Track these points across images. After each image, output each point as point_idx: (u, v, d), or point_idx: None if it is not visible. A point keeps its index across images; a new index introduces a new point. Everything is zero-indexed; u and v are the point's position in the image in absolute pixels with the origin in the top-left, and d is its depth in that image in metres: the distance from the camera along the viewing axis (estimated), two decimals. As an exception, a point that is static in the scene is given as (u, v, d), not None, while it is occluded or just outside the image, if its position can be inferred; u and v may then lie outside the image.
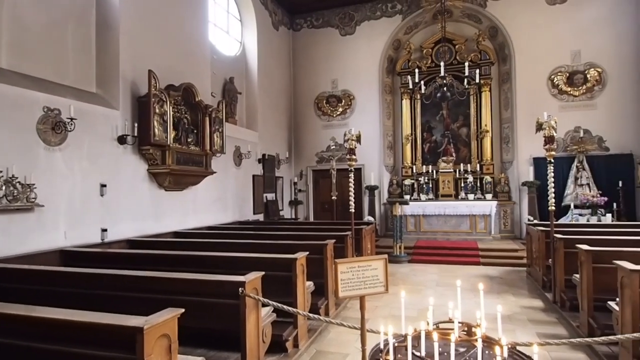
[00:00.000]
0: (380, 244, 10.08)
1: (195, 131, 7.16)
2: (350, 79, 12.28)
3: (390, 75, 12.36)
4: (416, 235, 10.85)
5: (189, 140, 6.97)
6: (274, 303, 3.42)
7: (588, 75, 10.37)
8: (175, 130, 6.65)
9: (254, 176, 10.12)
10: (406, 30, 12.00)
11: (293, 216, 12.25)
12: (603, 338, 2.77)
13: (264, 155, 10.62)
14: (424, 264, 8.66)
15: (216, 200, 8.50)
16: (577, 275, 4.68)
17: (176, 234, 6.99)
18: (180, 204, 7.32)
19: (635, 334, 2.79)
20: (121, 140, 5.94)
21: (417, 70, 9.67)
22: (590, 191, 9.75)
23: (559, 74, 10.60)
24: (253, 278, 3.40)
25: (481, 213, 10.51)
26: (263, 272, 3.61)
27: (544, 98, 10.58)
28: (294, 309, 3.74)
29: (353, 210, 6.86)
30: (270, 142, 11.19)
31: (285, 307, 3.44)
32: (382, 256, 3.04)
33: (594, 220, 8.99)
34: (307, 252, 4.61)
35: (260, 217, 10.38)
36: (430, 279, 7.36)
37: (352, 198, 6.85)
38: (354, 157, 6.83)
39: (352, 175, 6.95)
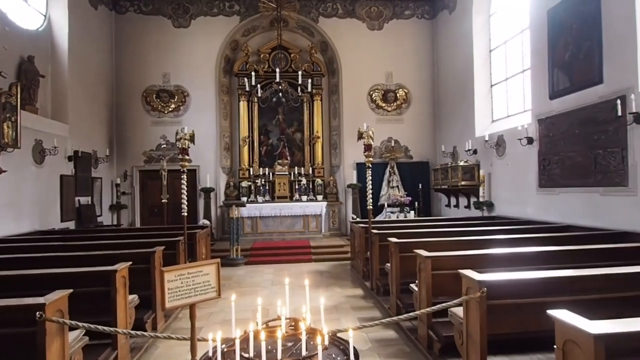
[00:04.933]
0: (217, 247, 9.80)
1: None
2: (184, 75, 11.60)
3: (227, 75, 12.18)
4: (253, 237, 10.93)
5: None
6: (86, 324, 2.91)
7: (398, 94, 12.26)
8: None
9: (62, 177, 8.51)
10: (244, 32, 12.03)
11: (115, 222, 10.83)
12: (405, 315, 3.25)
13: (76, 152, 9.03)
14: (260, 265, 8.76)
15: (5, 207, 6.81)
16: (389, 264, 5.42)
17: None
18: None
19: (428, 309, 3.36)
20: None
21: (254, 74, 9.78)
22: (399, 192, 11.54)
23: (376, 90, 12.23)
24: (56, 298, 2.82)
25: (313, 213, 11.26)
26: (71, 290, 3.04)
27: (364, 110, 12.05)
28: (111, 328, 3.25)
29: (186, 214, 6.45)
30: (85, 138, 9.60)
31: (100, 327, 2.97)
32: (214, 260, 2.91)
33: (402, 216, 10.66)
34: (131, 262, 4.11)
35: (72, 224, 8.82)
36: (266, 279, 7.48)
37: (184, 201, 6.43)
38: (187, 157, 6.43)
39: (185, 176, 6.53)
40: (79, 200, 9.16)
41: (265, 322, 2.22)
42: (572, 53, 6.36)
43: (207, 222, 10.53)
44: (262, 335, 1.73)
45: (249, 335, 1.84)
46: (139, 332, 3.40)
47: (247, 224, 11.01)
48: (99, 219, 9.94)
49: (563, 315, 1.99)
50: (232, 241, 8.90)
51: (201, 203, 11.45)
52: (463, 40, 10.34)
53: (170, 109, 11.59)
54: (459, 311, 3.21)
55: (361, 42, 12.09)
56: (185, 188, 6.51)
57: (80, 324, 2.90)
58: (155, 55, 11.52)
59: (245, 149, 11.94)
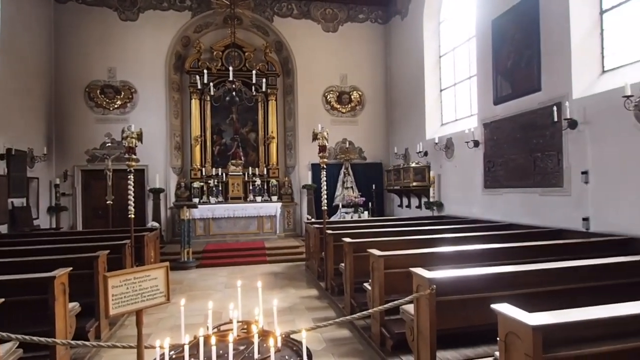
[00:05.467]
0: (167, 250, 9.44)
1: None
2: (131, 70, 11.05)
3: (178, 72, 11.76)
4: (206, 239, 10.63)
5: None
6: (18, 336, 2.68)
7: (352, 96, 12.44)
8: None
9: (-7, 177, 7.82)
10: (196, 28, 11.68)
11: (54, 225, 10.10)
12: (359, 314, 3.28)
13: (9, 150, 8.30)
14: (213, 268, 8.54)
15: None
16: (343, 264, 5.47)
17: None
18: None
19: (381, 307, 3.42)
20: None
21: (206, 71, 9.52)
22: (353, 193, 11.71)
23: (331, 92, 12.34)
24: (-20, 309, 2.58)
25: (268, 214, 11.14)
26: (2, 300, 2.80)
27: (320, 112, 12.11)
28: (49, 339, 3.02)
29: (133, 216, 6.14)
30: (19, 134, 8.84)
31: (35, 338, 2.74)
32: (163, 264, 2.79)
33: (356, 217, 10.82)
34: (71, 268, 3.87)
35: (4, 228, 8.12)
36: (219, 282, 7.30)
37: (131, 202, 6.12)
38: (134, 156, 6.12)
39: (132, 176, 6.22)
40: (12, 202, 8.44)
41: (217, 326, 2.15)
42: (514, 61, 6.77)
43: (156, 224, 10.10)
44: (213, 340, 1.67)
45: (198, 341, 1.77)
46: (79, 342, 3.18)
47: (199, 226, 10.70)
48: (35, 222, 9.22)
49: (505, 308, 2.10)
50: (183, 244, 8.59)
51: (150, 204, 10.97)
52: (414, 45, 10.68)
53: (116, 106, 11.01)
54: (410, 308, 3.30)
55: (316, 43, 12.15)
56: (133, 189, 6.20)
57: (12, 335, 2.67)
58: (99, 49, 10.88)
59: (198, 149, 11.59)
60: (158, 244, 8.19)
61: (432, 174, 9.63)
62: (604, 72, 5.56)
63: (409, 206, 11.00)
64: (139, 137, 6.21)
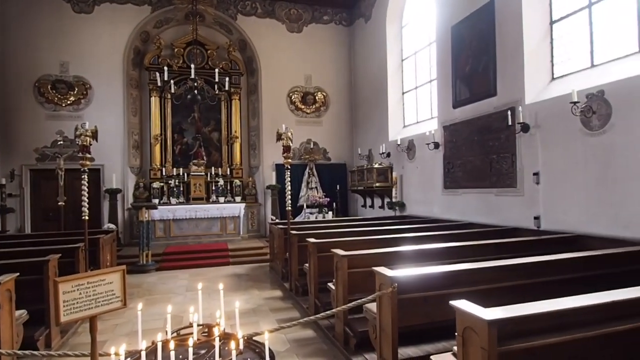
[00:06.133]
0: (124, 253, 9.07)
1: None
2: (86, 65, 10.54)
3: (137, 68, 11.34)
4: (166, 241, 10.30)
5: None
6: (-44, 349, 2.49)
7: (317, 97, 12.48)
8: None
9: None
10: (156, 24, 11.31)
11: None
12: (323, 314, 3.30)
13: (-51, 147, 7.73)
14: (174, 271, 8.30)
15: None
16: (307, 265, 5.48)
17: None
18: None
19: (344, 306, 3.45)
20: None
21: (166, 68, 9.23)
22: (318, 193, 11.75)
23: (295, 92, 12.32)
24: None
25: (231, 215, 10.96)
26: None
27: (284, 112, 12.07)
28: (-9, 351, 2.82)
29: (87, 218, 5.85)
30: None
31: (-25, 351, 2.55)
32: (119, 267, 2.68)
33: (320, 217, 10.86)
34: (18, 274, 3.64)
35: (-58, 232, 7.51)
36: (180, 285, 7.10)
37: (85, 204, 5.82)
38: (89, 155, 5.83)
39: (86, 176, 5.91)
40: (-50, 203, 7.82)
41: (176, 330, 2.09)
42: (471, 67, 7.04)
43: (112, 226, 9.69)
44: (172, 345, 1.62)
45: (156, 346, 1.71)
46: (27, 352, 2.99)
47: (159, 228, 10.36)
48: (-23, 226, 8.59)
49: (462, 305, 2.17)
50: (142, 246, 8.29)
51: (106, 205, 10.51)
52: (378, 48, 10.87)
53: (68, 102, 10.45)
54: (373, 307, 3.35)
55: (281, 43, 12.09)
56: (87, 189, 5.90)
57: (-52, 348, 2.47)
58: (50, 42, 10.30)
59: (157, 148, 11.23)
60: (115, 246, 7.85)
61: (394, 174, 9.84)
62: (553, 79, 5.89)
63: (372, 206, 11.17)
64: (94, 135, 5.92)
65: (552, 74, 5.91)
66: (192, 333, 1.91)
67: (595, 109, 4.78)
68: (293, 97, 12.29)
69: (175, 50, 11.33)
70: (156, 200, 10.64)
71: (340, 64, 12.71)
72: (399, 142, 9.39)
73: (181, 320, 4.86)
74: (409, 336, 3.44)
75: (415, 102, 9.87)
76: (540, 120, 5.64)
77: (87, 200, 5.86)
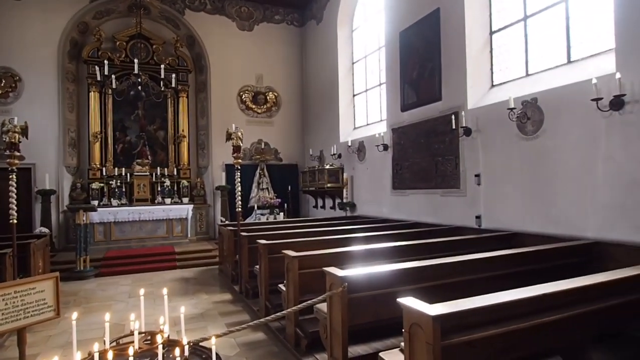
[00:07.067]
0: (59, 259, 8.44)
1: None
2: (14, 55, 9.68)
3: (74, 61, 10.61)
4: (106, 245, 9.71)
5: None
6: None
7: (268, 97, 12.37)
8: None
9: None
10: (96, 14, 10.65)
11: None
12: (273, 315, 3.26)
13: None
14: (115, 276, 7.84)
15: None
16: (258, 266, 5.40)
17: None
18: None
19: (295, 307, 3.44)
20: None
21: (107, 62, 8.72)
22: (269, 194, 11.63)
23: (246, 92, 12.12)
24: None
25: (178, 217, 10.56)
26: None
27: (234, 111, 11.84)
28: None
29: (15, 221, 5.36)
30: None
31: None
32: (52, 275, 2.49)
33: (271, 218, 10.76)
34: None
35: None
36: (122, 292, 6.72)
37: (13, 206, 5.34)
38: (17, 153, 5.34)
39: (15, 176, 5.42)
40: None
41: (115, 339, 1.96)
42: (418, 72, 7.31)
43: (45, 230, 8.97)
44: (110, 355, 1.51)
45: (93, 357, 1.59)
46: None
47: (98, 231, 9.74)
48: None
49: (409, 302, 2.24)
50: (79, 251, 7.75)
51: (38, 208, 9.71)
52: (329, 50, 10.98)
53: (-6, 95, 9.56)
54: (324, 307, 3.36)
55: (231, 41, 11.85)
56: (15, 190, 5.41)
57: None
58: (-28, 28, 9.36)
59: (97, 146, 10.57)
60: (48, 252, 7.28)
61: (345, 175, 9.98)
62: (493, 86, 6.27)
63: (323, 207, 11.25)
64: (24, 131, 5.44)
65: (492, 81, 6.28)
66: (133, 342, 1.80)
67: (529, 115, 5.14)
68: (244, 96, 12.09)
69: (118, 43, 10.73)
70: (95, 202, 10.01)
71: (292, 64, 12.69)
72: (349, 144, 9.54)
73: (123, 329, 4.60)
74: (359, 335, 3.50)
75: (366, 105, 10.08)
76: (481, 125, 5.97)
77: (15, 202, 5.37)
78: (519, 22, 5.84)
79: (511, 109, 5.17)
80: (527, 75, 5.68)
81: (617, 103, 4.11)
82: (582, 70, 4.74)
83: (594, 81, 4.22)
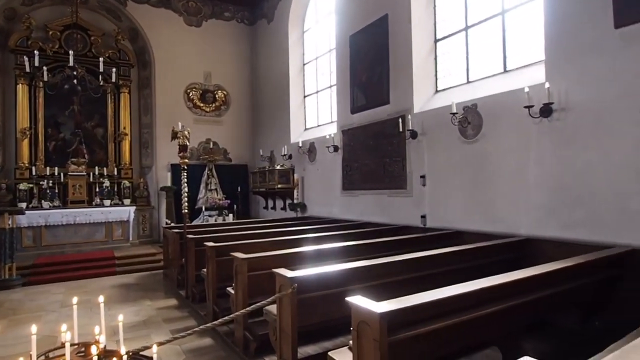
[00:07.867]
0: (-21, 268, 7.65)
1: None
2: None
3: (0, 50, 9.70)
4: (36, 251, 8.95)
5: None
6: None
7: (217, 96, 12.06)
8: None
9: None
10: (25, 1, 9.81)
11: None
12: (221, 319, 3.17)
13: None
14: (46, 285, 7.25)
15: None
16: (205, 270, 5.23)
17: None
18: None
19: (243, 310, 3.36)
20: None
21: (37, 53, 8.04)
22: (218, 195, 11.33)
23: (194, 89, 11.74)
24: None
25: (118, 219, 9.98)
26: None
27: (181, 109, 11.41)
28: None
29: None
30: None
31: None
32: (-30, 283, 2.24)
33: (220, 219, 10.49)
34: None
35: None
36: (54, 301, 6.22)
37: None
38: None
39: None
40: None
41: (44, 352, 1.80)
42: (368, 75, 7.46)
43: (-36, 235, 8.09)
44: (37, 372, 1.38)
45: (18, 375, 1.45)
46: None
47: (26, 236, 8.96)
48: None
49: (357, 300, 2.27)
50: (4, 258, 7.07)
51: (-45, 211, 8.74)
52: (280, 50, 10.92)
53: None
54: (274, 309, 3.32)
55: (178, 36, 11.43)
56: None
57: None
58: None
59: (25, 144, 9.73)
60: (-34, 260, 6.58)
61: (296, 176, 9.96)
62: (437, 91, 6.55)
63: (274, 208, 11.16)
64: (-63, 125, 4.88)
65: (436, 87, 6.56)
66: (64, 354, 1.66)
67: (470, 120, 5.43)
68: (191, 94, 11.69)
69: (50, 33, 9.96)
70: (23, 204, 9.20)
71: (242, 63, 12.48)
72: (300, 145, 9.54)
73: (55, 341, 4.24)
74: (309, 335, 3.50)
75: (317, 106, 10.14)
76: (426, 128, 6.21)
77: None
78: (460, 31, 6.15)
79: (454, 114, 5.43)
80: (468, 82, 6.00)
81: (546, 110, 4.45)
82: (517, 79, 5.08)
83: (526, 90, 4.54)
